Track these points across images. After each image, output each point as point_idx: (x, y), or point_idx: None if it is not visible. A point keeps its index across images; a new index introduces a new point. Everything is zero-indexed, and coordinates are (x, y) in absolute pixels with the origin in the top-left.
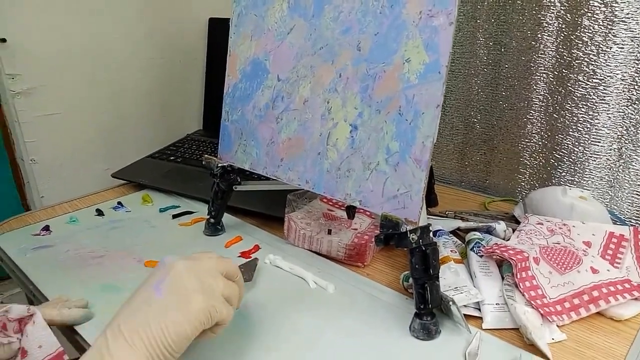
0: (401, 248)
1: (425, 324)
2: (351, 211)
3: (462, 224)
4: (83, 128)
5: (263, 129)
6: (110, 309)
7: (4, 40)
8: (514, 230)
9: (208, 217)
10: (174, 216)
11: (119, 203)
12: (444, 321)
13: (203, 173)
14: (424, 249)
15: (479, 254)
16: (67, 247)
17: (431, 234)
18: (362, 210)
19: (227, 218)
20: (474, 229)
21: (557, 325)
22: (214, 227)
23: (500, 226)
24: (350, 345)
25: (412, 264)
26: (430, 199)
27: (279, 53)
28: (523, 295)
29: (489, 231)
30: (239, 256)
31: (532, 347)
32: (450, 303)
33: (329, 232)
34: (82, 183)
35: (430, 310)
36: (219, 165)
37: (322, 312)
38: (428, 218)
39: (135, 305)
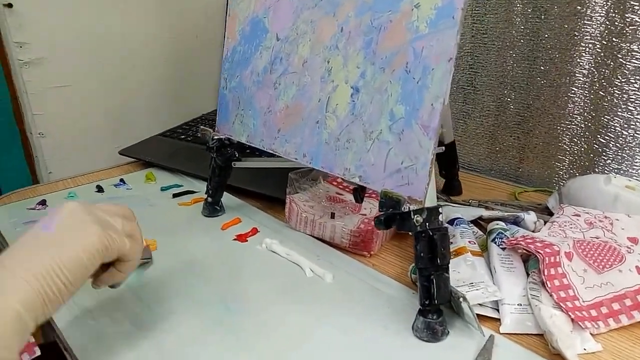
0: (405, 232)
1: (429, 322)
2: (359, 194)
3: (485, 213)
4: (93, 103)
5: (261, 97)
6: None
7: (10, 5)
8: (545, 223)
9: (206, 196)
10: (175, 195)
11: (121, 180)
12: (454, 321)
13: None
14: (430, 233)
15: (500, 246)
16: None
17: (441, 217)
18: (374, 195)
19: (229, 199)
20: (499, 219)
21: (591, 334)
22: (212, 207)
23: (530, 217)
24: (343, 345)
25: (416, 251)
26: (453, 186)
27: (278, 8)
28: (551, 295)
29: (516, 222)
30: (235, 239)
31: (559, 357)
32: (461, 300)
33: (332, 216)
34: (91, 160)
35: (436, 307)
36: (215, 137)
37: (316, 304)
38: (447, 205)
39: (19, 243)
